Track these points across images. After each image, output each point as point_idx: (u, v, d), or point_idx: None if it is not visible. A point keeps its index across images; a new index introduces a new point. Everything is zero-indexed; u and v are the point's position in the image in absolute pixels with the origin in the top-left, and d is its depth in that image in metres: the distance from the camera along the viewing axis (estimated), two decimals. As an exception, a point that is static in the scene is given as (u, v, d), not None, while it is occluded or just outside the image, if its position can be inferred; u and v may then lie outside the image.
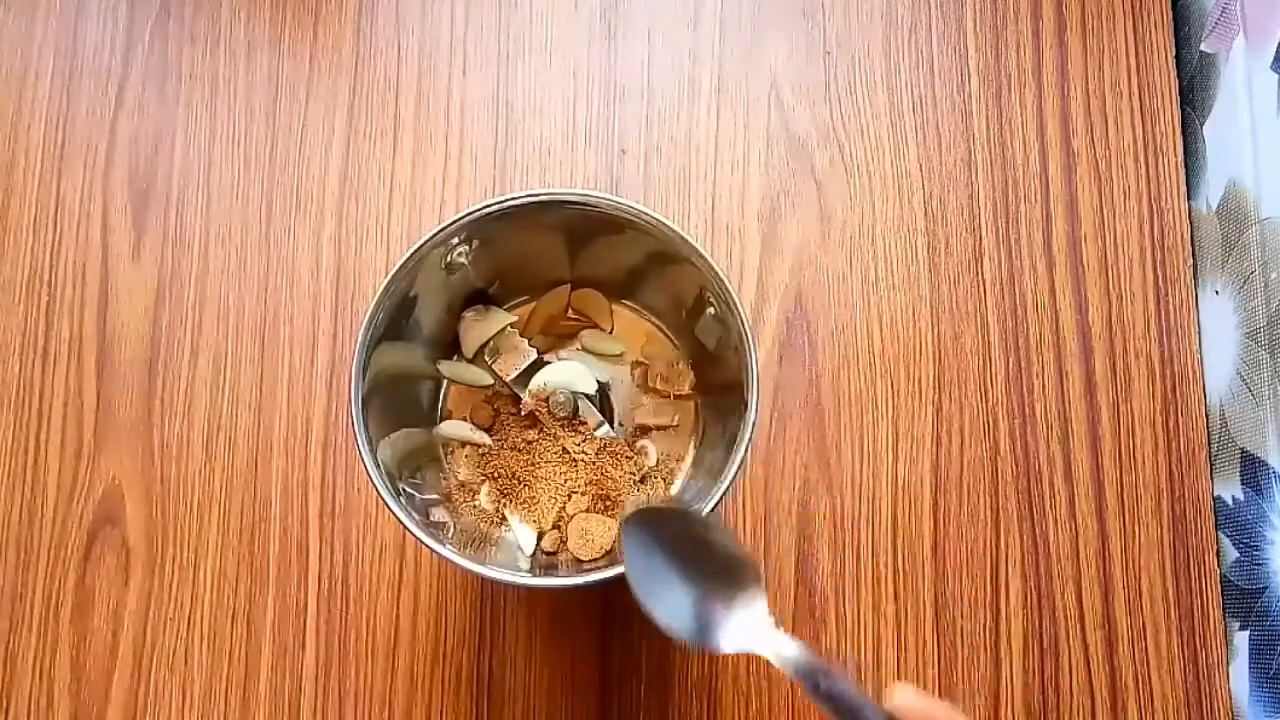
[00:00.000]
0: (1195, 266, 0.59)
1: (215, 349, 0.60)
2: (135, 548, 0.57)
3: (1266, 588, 0.52)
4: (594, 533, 0.52)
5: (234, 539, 0.57)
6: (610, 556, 0.51)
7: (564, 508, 0.53)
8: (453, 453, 0.55)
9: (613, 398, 0.55)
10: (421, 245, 0.47)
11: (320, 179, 0.62)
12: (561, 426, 0.54)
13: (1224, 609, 0.55)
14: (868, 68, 0.62)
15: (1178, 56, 0.62)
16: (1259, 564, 0.53)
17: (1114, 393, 0.58)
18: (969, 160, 0.61)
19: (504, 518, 0.53)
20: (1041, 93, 0.62)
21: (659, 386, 0.55)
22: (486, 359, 0.54)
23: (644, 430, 0.55)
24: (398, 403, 0.51)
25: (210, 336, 0.60)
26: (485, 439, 0.54)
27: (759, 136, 0.62)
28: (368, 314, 0.46)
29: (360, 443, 0.46)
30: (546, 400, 0.53)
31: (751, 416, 0.45)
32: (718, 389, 0.53)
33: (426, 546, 0.44)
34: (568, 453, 0.53)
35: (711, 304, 0.49)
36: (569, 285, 0.56)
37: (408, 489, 0.49)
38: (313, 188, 0.62)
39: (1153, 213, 0.60)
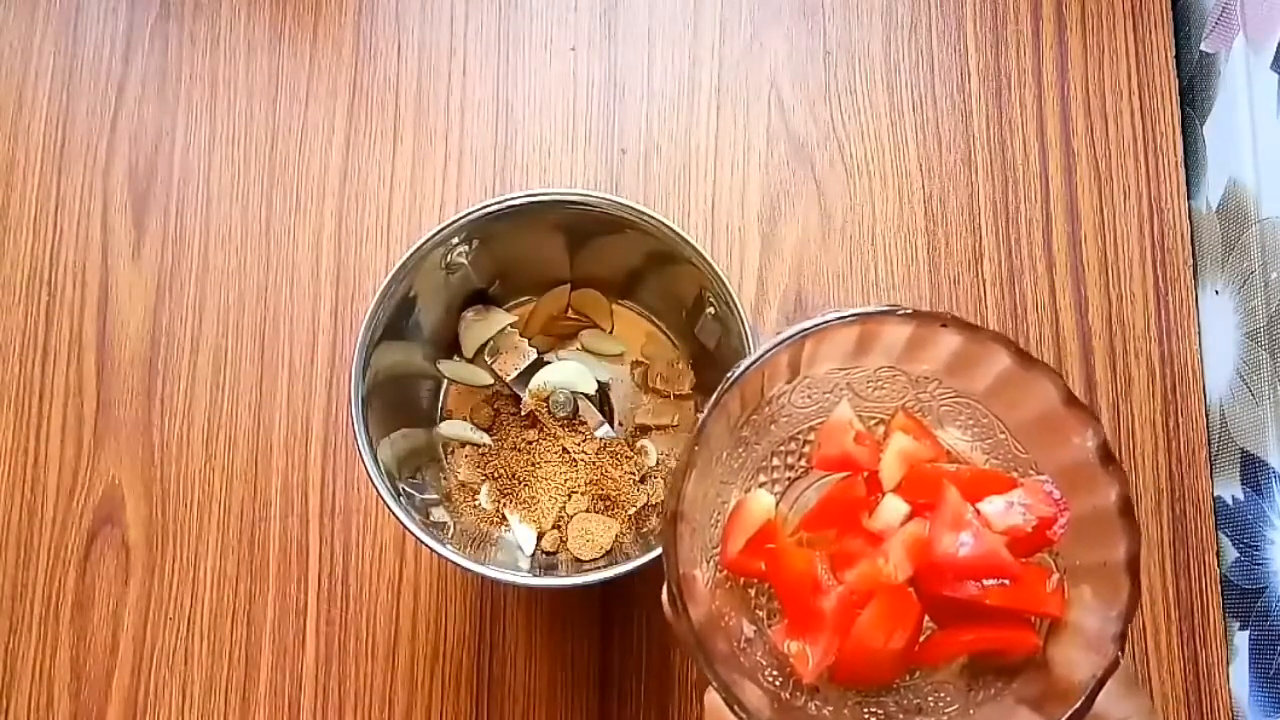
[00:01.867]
0: (1195, 266, 0.59)
1: (215, 348, 0.60)
2: (135, 548, 0.57)
3: (1266, 588, 0.52)
4: (594, 533, 0.52)
5: (234, 539, 0.57)
6: (610, 556, 0.51)
7: (564, 508, 0.53)
8: (453, 453, 0.55)
9: (613, 398, 0.55)
10: (421, 245, 0.47)
11: (320, 179, 0.62)
12: (561, 426, 0.54)
13: (1224, 609, 0.55)
14: (868, 68, 0.62)
15: (1178, 56, 0.62)
16: (1259, 564, 0.53)
17: (1114, 393, 0.58)
18: (969, 160, 0.61)
19: (504, 518, 0.53)
20: (1041, 93, 0.62)
21: (659, 386, 0.55)
22: (486, 359, 0.54)
23: (644, 430, 0.55)
24: (398, 403, 0.51)
25: (210, 336, 0.60)
26: (485, 439, 0.54)
27: (759, 136, 0.61)
28: (368, 314, 0.47)
29: (360, 443, 0.46)
30: (546, 400, 0.53)
31: (751, 416, 0.45)
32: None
33: (426, 546, 0.44)
34: (568, 453, 0.53)
35: (711, 304, 0.49)
36: (569, 285, 0.56)
37: (408, 489, 0.49)
38: (313, 188, 0.62)
39: (1153, 213, 0.60)
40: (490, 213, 0.47)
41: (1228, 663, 0.54)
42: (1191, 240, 0.60)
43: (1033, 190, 0.60)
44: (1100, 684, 0.28)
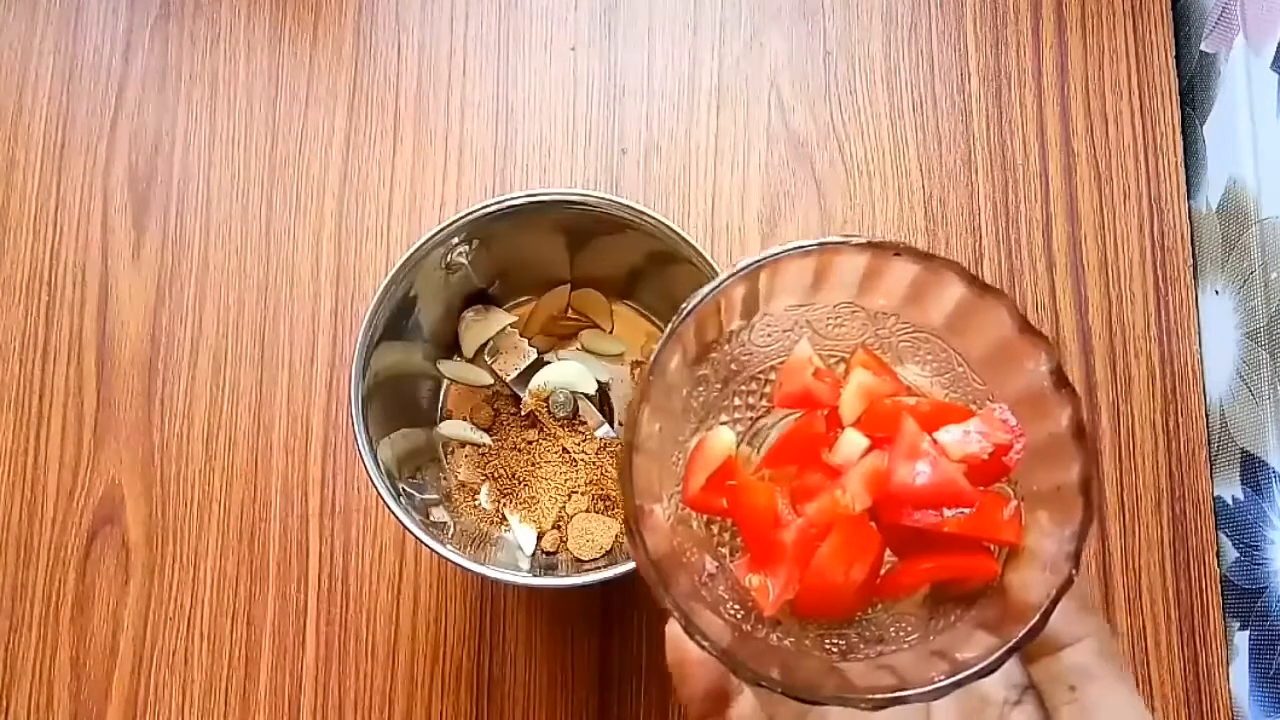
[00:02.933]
0: (1195, 266, 0.59)
1: (215, 349, 0.60)
2: (135, 548, 0.57)
3: (1266, 588, 0.52)
4: (594, 533, 0.52)
5: (234, 539, 0.57)
6: (610, 556, 0.51)
7: (564, 508, 0.53)
8: (453, 453, 0.55)
9: (613, 398, 0.55)
10: (421, 245, 0.47)
11: (320, 179, 0.62)
12: (561, 426, 0.54)
13: (1224, 609, 0.55)
14: (868, 68, 0.62)
15: (1178, 56, 0.62)
16: (1259, 564, 0.53)
17: (1114, 393, 0.58)
18: (969, 160, 0.61)
19: (504, 518, 0.53)
20: (1041, 93, 0.62)
21: (659, 386, 0.55)
22: (486, 359, 0.54)
23: (644, 430, 0.55)
24: (398, 403, 0.51)
25: (210, 336, 0.60)
26: (485, 439, 0.54)
27: (759, 136, 0.62)
28: (368, 314, 0.47)
29: (360, 443, 0.46)
30: (546, 400, 0.53)
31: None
32: (718, 389, 0.53)
33: (426, 546, 0.44)
34: (568, 453, 0.53)
35: (711, 304, 0.49)
36: (569, 285, 0.56)
37: (408, 489, 0.49)
38: (313, 188, 0.62)
39: (1153, 213, 0.60)
40: (490, 213, 0.47)
41: (1228, 663, 0.54)
42: (1191, 240, 0.60)
43: (1033, 190, 0.60)
44: (1055, 601, 0.28)
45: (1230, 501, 0.55)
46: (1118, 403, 0.57)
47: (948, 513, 0.30)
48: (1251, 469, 0.54)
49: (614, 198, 0.47)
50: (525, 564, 0.51)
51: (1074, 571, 0.28)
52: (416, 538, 0.44)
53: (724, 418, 0.36)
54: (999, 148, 0.61)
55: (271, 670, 0.56)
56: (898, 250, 0.31)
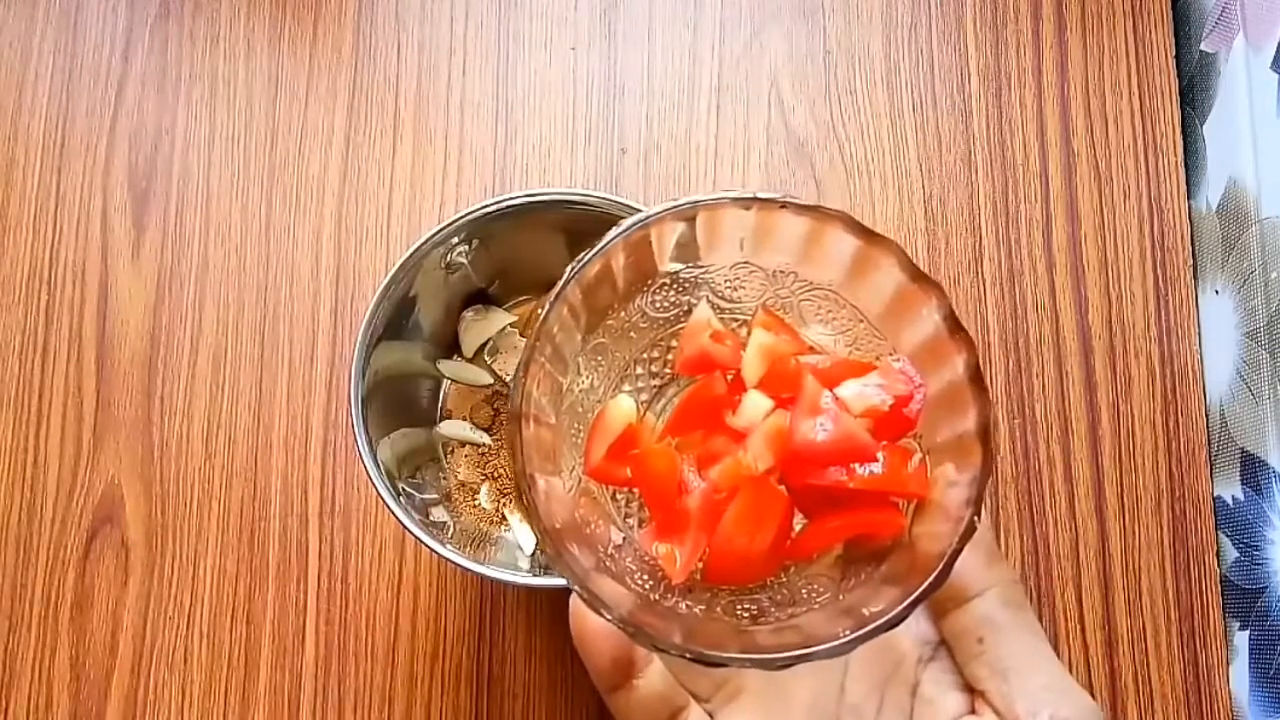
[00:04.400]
0: (1195, 266, 0.59)
1: (215, 347, 0.60)
2: (135, 547, 0.57)
3: (1266, 588, 0.52)
4: (594, 532, 0.52)
5: (233, 537, 0.57)
6: (610, 556, 0.51)
7: (564, 507, 0.53)
8: (453, 452, 0.55)
9: (612, 397, 0.55)
10: (421, 245, 0.47)
11: (320, 178, 0.62)
12: (561, 426, 0.54)
13: (1224, 609, 0.55)
14: (868, 68, 0.62)
15: (1178, 56, 0.62)
16: (1259, 564, 0.53)
17: (1114, 393, 0.58)
18: (969, 160, 0.61)
19: (504, 518, 0.53)
20: (1041, 93, 0.62)
21: (659, 386, 0.55)
22: (486, 358, 0.55)
23: (644, 430, 0.55)
24: (397, 402, 0.51)
25: (210, 335, 0.60)
26: (485, 439, 0.54)
27: (759, 136, 0.61)
28: (367, 314, 0.47)
29: (360, 443, 0.46)
30: (546, 400, 0.53)
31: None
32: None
33: (426, 546, 0.44)
34: (567, 452, 0.53)
35: (711, 304, 0.49)
36: (569, 285, 0.56)
37: (408, 489, 0.49)
38: (313, 187, 0.62)
39: (1153, 213, 0.60)
40: (490, 213, 0.47)
41: (1228, 663, 0.54)
42: (1191, 240, 0.60)
43: (1033, 190, 0.60)
44: (957, 551, 0.27)
45: (1230, 501, 0.55)
46: (1118, 403, 0.57)
47: (858, 470, 0.29)
48: (1251, 469, 0.54)
49: (614, 198, 0.47)
50: (525, 564, 0.51)
51: (975, 519, 0.28)
52: (416, 538, 0.44)
53: (626, 387, 0.35)
54: (999, 148, 0.61)
55: (271, 669, 0.56)
56: (782, 203, 0.30)
